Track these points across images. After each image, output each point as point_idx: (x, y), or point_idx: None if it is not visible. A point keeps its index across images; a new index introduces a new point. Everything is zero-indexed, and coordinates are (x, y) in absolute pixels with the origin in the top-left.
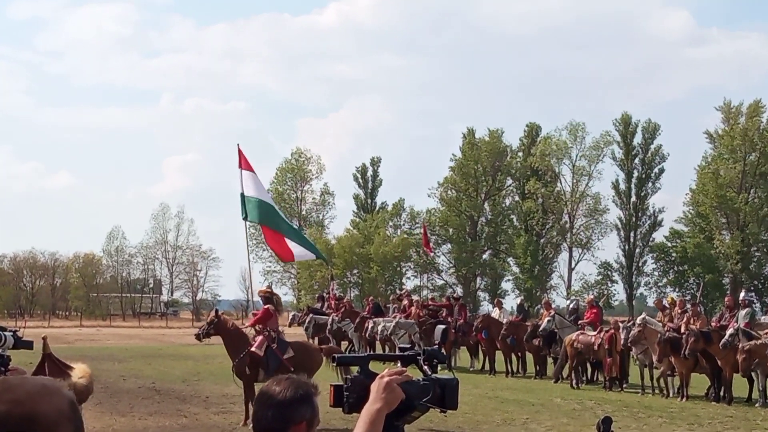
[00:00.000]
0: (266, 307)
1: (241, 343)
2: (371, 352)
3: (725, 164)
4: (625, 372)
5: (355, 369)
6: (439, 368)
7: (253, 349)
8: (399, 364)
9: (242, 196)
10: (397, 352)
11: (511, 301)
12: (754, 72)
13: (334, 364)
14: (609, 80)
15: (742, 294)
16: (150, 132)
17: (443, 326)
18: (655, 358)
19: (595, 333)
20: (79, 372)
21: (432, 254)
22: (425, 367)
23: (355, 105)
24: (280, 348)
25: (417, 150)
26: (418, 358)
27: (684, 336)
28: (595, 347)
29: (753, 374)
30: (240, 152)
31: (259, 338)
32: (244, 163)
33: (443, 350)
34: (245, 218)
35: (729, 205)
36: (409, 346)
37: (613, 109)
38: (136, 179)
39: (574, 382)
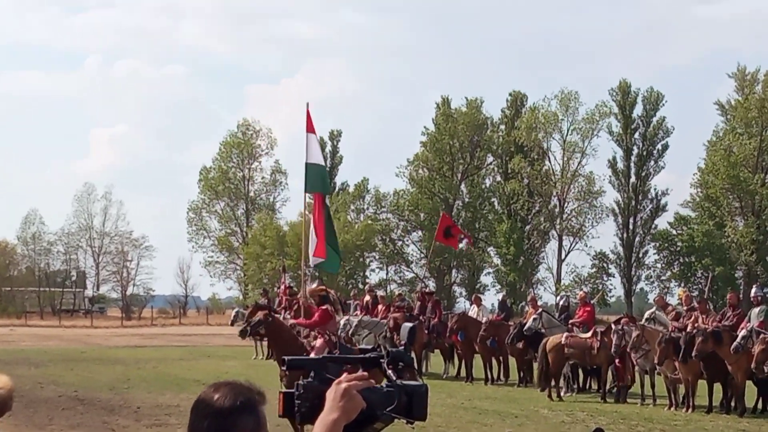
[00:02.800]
0: (324, 307)
1: (295, 350)
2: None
3: (739, 140)
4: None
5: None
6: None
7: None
8: (360, 368)
9: (307, 165)
10: (358, 354)
11: (492, 298)
12: None
13: (284, 368)
14: (605, 43)
15: (753, 290)
16: (73, 100)
17: (410, 324)
18: (656, 361)
19: (589, 335)
20: None
21: (469, 239)
22: (390, 371)
23: (312, 70)
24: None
25: (383, 122)
26: (382, 361)
27: (685, 336)
28: (594, 351)
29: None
30: (308, 113)
31: (319, 342)
32: (310, 126)
33: (412, 352)
34: (309, 190)
35: (743, 186)
36: (370, 347)
37: (610, 76)
38: (56, 155)
39: (563, 391)
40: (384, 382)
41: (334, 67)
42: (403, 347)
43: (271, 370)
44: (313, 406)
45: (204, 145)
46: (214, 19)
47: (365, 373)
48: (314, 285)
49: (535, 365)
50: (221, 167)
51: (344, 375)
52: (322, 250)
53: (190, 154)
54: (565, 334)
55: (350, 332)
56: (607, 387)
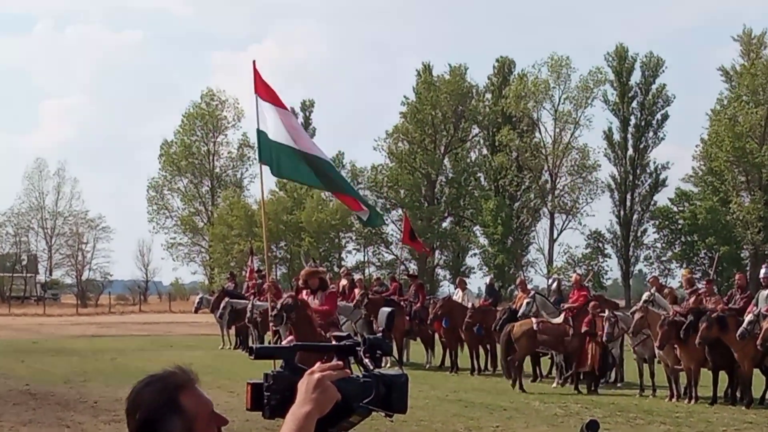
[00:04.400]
0: (332, 291)
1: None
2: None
3: (744, 108)
4: (606, 367)
5: (278, 363)
6: (386, 363)
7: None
8: (334, 357)
9: (258, 132)
10: (332, 342)
11: (478, 281)
12: None
13: (252, 358)
14: (600, 3)
15: (762, 270)
16: (22, 69)
17: (388, 309)
18: (656, 345)
19: (560, 320)
20: None
21: (426, 249)
22: (366, 360)
23: (282, 34)
24: None
25: (360, 92)
26: (358, 349)
27: (690, 320)
28: (568, 336)
29: None
30: (256, 73)
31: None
32: (261, 89)
33: (393, 340)
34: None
35: (749, 159)
36: (345, 334)
37: (606, 40)
38: (3, 128)
39: (555, 382)
40: (361, 372)
41: (306, 31)
42: (381, 334)
43: (239, 361)
44: (283, 398)
45: (165, 117)
46: None
47: (340, 363)
48: (308, 265)
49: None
50: (184, 141)
51: (317, 364)
52: (358, 203)
53: (149, 127)
54: (536, 319)
55: None
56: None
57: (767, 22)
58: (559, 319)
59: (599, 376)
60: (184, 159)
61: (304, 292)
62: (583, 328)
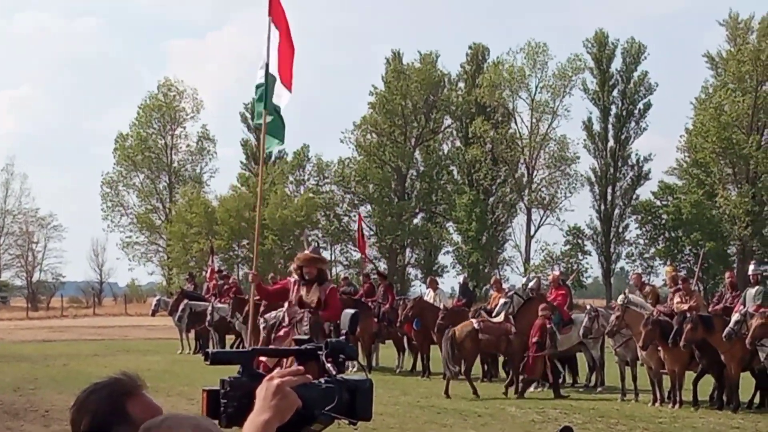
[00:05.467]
0: (333, 287)
1: None
2: (257, 346)
3: (731, 97)
4: (557, 373)
5: (236, 368)
6: (350, 367)
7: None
8: (294, 362)
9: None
10: (293, 346)
11: (452, 280)
12: None
13: (208, 363)
14: None
15: (751, 267)
16: None
17: (351, 311)
18: (639, 345)
19: (501, 318)
20: None
21: (367, 260)
22: (329, 365)
23: (243, 21)
24: None
25: (326, 81)
26: (320, 353)
27: (679, 318)
28: (511, 335)
29: (762, 371)
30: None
31: None
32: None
33: (360, 343)
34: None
35: (736, 150)
36: (307, 337)
37: (585, 25)
38: None
39: (532, 387)
40: (323, 378)
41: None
42: (344, 337)
43: (198, 366)
44: (241, 405)
45: (120, 109)
46: None
47: (301, 368)
48: (308, 250)
49: (501, 358)
50: (140, 134)
51: (277, 370)
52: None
53: (104, 120)
54: (475, 319)
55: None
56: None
57: (755, 5)
58: (500, 318)
59: (552, 385)
60: (140, 153)
61: (292, 281)
62: (534, 339)
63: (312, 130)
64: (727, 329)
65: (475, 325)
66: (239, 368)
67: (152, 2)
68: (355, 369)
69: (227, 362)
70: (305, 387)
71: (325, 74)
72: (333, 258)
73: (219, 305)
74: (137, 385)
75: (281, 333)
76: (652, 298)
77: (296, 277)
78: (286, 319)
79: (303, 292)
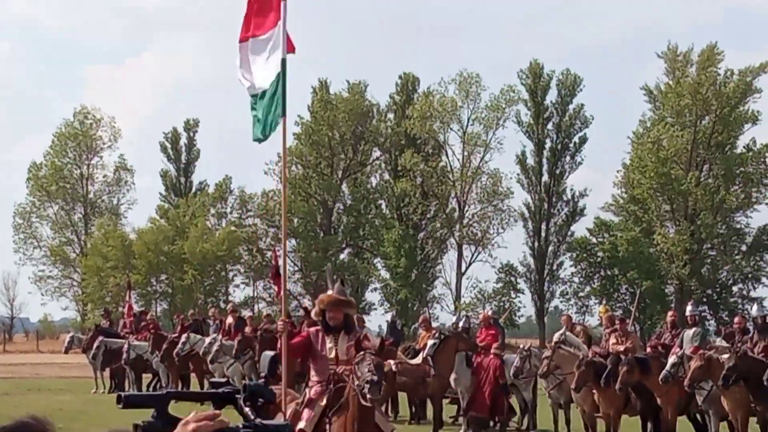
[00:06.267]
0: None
1: None
2: (172, 389)
3: (669, 131)
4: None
5: (149, 412)
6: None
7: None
8: (211, 406)
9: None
10: (208, 389)
11: (379, 318)
12: (707, 7)
13: (120, 407)
14: (513, 17)
15: (689, 308)
16: None
17: (271, 353)
18: (572, 387)
19: (419, 360)
20: None
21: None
22: (247, 409)
23: (163, 47)
24: None
25: (249, 111)
26: (237, 396)
27: (612, 359)
28: (429, 378)
29: (701, 416)
30: None
31: None
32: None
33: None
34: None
35: (674, 186)
36: (224, 380)
37: (519, 56)
38: None
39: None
40: (240, 422)
41: (189, 43)
42: (263, 380)
43: (113, 406)
44: None
45: (33, 137)
46: None
47: (217, 412)
48: (333, 290)
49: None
50: (54, 163)
51: (192, 414)
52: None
53: (16, 149)
54: (393, 361)
55: (210, 359)
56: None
57: (694, 37)
58: (418, 360)
59: (502, 423)
60: (55, 183)
61: (312, 330)
62: (502, 381)
63: (235, 161)
64: (664, 372)
65: (393, 367)
66: (153, 412)
67: (67, 26)
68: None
69: (141, 405)
70: None
71: (248, 104)
72: (255, 294)
73: (136, 342)
74: (46, 429)
75: (312, 394)
76: (584, 338)
77: (312, 320)
78: (315, 377)
79: (329, 343)
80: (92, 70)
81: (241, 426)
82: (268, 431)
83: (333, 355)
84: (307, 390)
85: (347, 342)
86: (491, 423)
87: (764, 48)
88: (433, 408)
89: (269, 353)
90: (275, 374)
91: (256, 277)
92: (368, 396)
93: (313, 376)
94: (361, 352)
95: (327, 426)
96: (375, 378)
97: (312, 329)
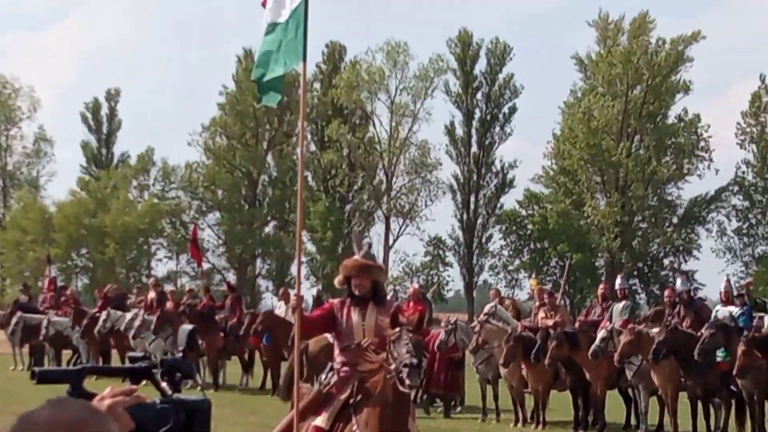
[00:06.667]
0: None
1: None
2: (88, 364)
3: (600, 101)
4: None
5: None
6: (187, 385)
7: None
8: (128, 381)
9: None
10: (126, 364)
11: (305, 292)
12: None
13: (35, 382)
14: None
15: (618, 281)
16: None
17: (189, 327)
18: (500, 363)
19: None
20: None
21: (202, 268)
22: (164, 384)
23: (85, 13)
24: None
25: (172, 80)
26: (154, 371)
27: (542, 334)
28: None
29: (631, 391)
30: None
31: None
32: None
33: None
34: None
35: (605, 158)
36: (141, 355)
37: (448, 24)
38: None
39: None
40: (158, 398)
41: (111, 10)
42: (181, 355)
43: (32, 384)
44: None
45: None
46: None
47: (134, 387)
48: (359, 254)
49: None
50: None
51: (108, 389)
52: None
53: None
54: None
55: (132, 335)
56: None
57: (626, 5)
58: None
59: (451, 399)
60: None
61: (335, 302)
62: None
63: (158, 132)
64: (593, 347)
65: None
66: (68, 388)
67: None
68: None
69: (55, 381)
70: (139, 408)
71: (171, 73)
72: (178, 268)
73: (55, 318)
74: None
75: (333, 387)
76: (513, 312)
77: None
78: (338, 359)
79: (355, 316)
80: (11, 38)
81: (158, 401)
82: (186, 406)
83: (361, 330)
84: (329, 375)
85: (377, 314)
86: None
87: (697, 16)
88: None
89: (187, 327)
90: (193, 347)
91: (180, 251)
92: (407, 382)
93: (337, 356)
94: (397, 329)
95: (352, 417)
96: (414, 361)
97: (336, 300)
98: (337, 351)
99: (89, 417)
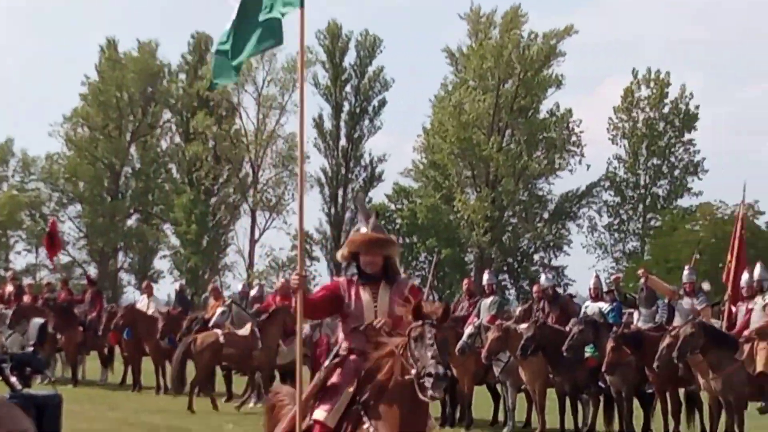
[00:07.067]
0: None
1: None
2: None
3: (471, 95)
4: None
5: None
6: (37, 381)
7: None
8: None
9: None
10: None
11: (168, 287)
12: None
13: None
14: None
15: (486, 277)
16: None
17: (40, 321)
18: None
19: (247, 331)
20: None
21: (55, 264)
22: (13, 378)
23: None
24: None
25: (32, 68)
26: (3, 366)
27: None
28: (256, 350)
29: (499, 387)
30: None
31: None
32: None
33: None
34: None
35: (476, 152)
36: None
37: (316, 15)
38: None
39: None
40: (7, 392)
41: None
42: (32, 349)
43: None
44: None
45: None
46: None
47: None
48: (368, 226)
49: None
50: None
51: None
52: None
53: None
54: (221, 331)
55: None
56: None
57: None
58: (246, 331)
59: None
60: None
61: (341, 280)
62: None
63: (17, 122)
64: (460, 343)
65: (220, 338)
66: None
67: None
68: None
69: None
70: None
71: (31, 62)
72: (38, 261)
73: None
74: None
75: (336, 377)
76: None
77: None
78: (343, 345)
79: (365, 296)
80: None
81: (7, 396)
82: (36, 401)
83: (372, 311)
84: (332, 361)
85: (390, 295)
86: None
87: (569, 11)
88: (263, 381)
89: (38, 320)
90: (44, 342)
91: (39, 244)
92: (429, 393)
93: (343, 342)
94: (419, 323)
95: (363, 417)
96: (440, 370)
97: (342, 279)
98: (341, 335)
99: None
